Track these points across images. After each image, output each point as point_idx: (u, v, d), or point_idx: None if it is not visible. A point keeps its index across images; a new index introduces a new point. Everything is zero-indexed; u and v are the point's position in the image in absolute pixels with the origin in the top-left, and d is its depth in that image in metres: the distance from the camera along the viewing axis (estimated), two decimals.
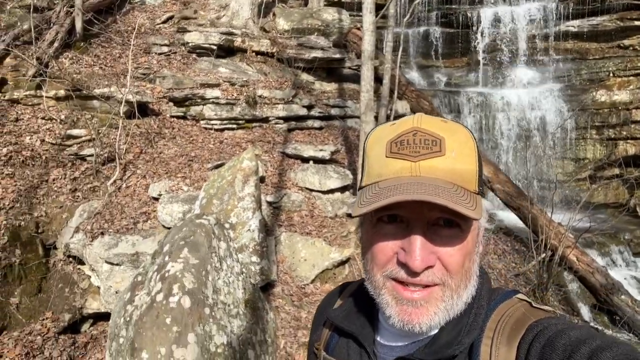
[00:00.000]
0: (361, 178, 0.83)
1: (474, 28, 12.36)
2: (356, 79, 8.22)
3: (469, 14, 12.49)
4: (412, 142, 0.75)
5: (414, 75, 12.81)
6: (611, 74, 10.97)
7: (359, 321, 0.90)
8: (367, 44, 5.54)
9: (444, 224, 0.75)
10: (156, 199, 5.50)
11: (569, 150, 10.53)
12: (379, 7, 9.71)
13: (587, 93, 10.59)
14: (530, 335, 0.73)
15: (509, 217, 8.59)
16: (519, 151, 10.36)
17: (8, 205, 5.19)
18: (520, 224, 7.97)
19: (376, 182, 0.77)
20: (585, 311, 6.80)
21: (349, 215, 5.93)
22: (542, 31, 11.94)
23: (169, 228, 4.90)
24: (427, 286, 0.75)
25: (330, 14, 9.80)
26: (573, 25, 11.65)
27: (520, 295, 0.84)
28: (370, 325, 0.89)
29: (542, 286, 6.35)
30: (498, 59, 12.19)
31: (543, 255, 6.50)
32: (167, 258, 3.44)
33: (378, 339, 0.87)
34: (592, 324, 6.51)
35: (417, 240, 0.73)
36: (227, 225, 4.27)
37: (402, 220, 0.75)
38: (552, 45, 11.83)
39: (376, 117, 8.65)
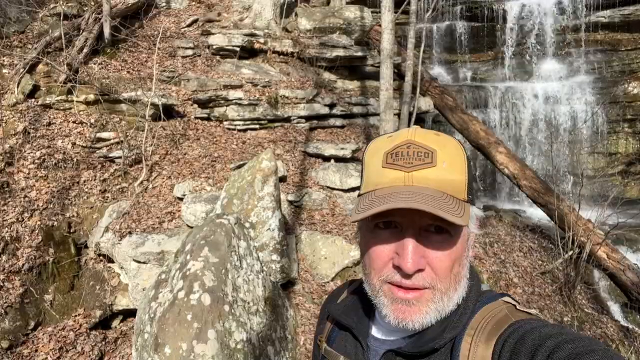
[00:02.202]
0: (360, 186, 0.90)
1: (500, 21, 12.14)
2: (379, 76, 8.22)
3: (494, 7, 12.28)
4: (406, 154, 0.81)
5: (438, 70, 12.68)
6: None
7: (356, 316, 0.97)
8: (386, 42, 5.53)
9: (434, 230, 0.81)
10: (181, 199, 5.66)
11: (600, 145, 10.23)
12: (400, 3, 9.66)
13: (619, 85, 10.25)
14: (506, 333, 0.78)
15: (536, 214, 8.44)
16: (547, 146, 10.14)
17: (42, 206, 5.43)
18: (547, 221, 7.83)
19: (373, 190, 0.83)
20: (615, 310, 6.63)
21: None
22: (571, 22, 11.63)
23: (192, 227, 5.03)
24: (417, 289, 0.81)
25: (352, 12, 9.80)
26: (604, 15, 11.30)
27: (506, 299, 0.89)
28: (367, 320, 0.96)
29: (569, 284, 6.22)
30: (525, 52, 11.95)
31: (570, 252, 6.36)
32: (188, 257, 3.55)
33: (373, 333, 0.94)
34: (622, 322, 6.34)
35: (410, 244, 0.79)
36: (247, 225, 4.37)
37: (397, 226, 0.82)
38: (582, 37, 11.50)
39: (398, 115, 8.63)
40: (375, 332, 0.94)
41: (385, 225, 0.82)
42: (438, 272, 0.80)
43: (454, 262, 0.82)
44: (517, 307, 0.85)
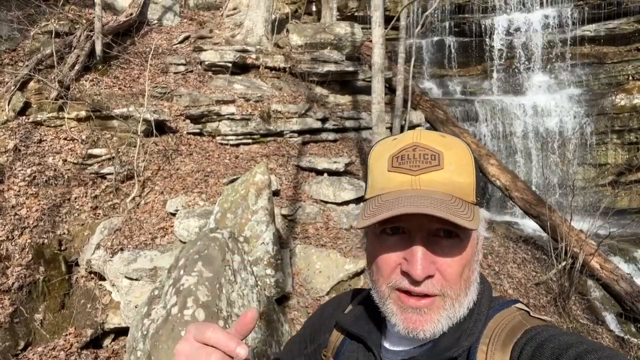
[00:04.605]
0: (365, 191, 0.87)
1: (488, 36, 12.34)
2: (370, 90, 8.29)
3: (482, 23, 12.49)
4: (412, 156, 0.79)
5: (429, 84, 12.83)
6: (630, 78, 10.79)
7: (368, 326, 0.94)
8: (377, 57, 5.59)
9: (443, 234, 0.78)
10: (173, 215, 5.62)
11: (590, 156, 10.35)
12: (390, 19, 9.81)
13: (606, 97, 10.42)
14: (523, 339, 0.75)
15: (529, 225, 8.48)
16: (538, 158, 10.24)
17: (32, 224, 5.36)
18: (540, 231, 7.86)
19: (379, 194, 0.80)
20: (610, 320, 6.63)
21: (350, 228, 5.95)
22: (557, 37, 11.85)
23: (185, 242, 4.99)
24: (427, 295, 0.78)
25: (342, 28, 9.92)
26: (589, 29, 11.53)
27: (519, 305, 0.87)
28: (378, 331, 0.92)
29: (563, 295, 6.22)
30: (514, 66, 12.14)
31: (564, 263, 6.38)
32: (181, 272, 3.51)
33: (385, 344, 0.90)
34: (617, 333, 6.34)
35: (419, 251, 0.76)
36: (241, 239, 4.34)
37: (405, 232, 0.79)
38: (569, 51, 11.72)
39: (390, 128, 8.69)
40: (386, 344, 0.90)
41: (393, 231, 0.79)
42: (448, 278, 0.78)
43: (464, 267, 0.79)
44: (531, 314, 0.83)
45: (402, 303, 0.79)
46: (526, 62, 11.99)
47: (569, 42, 11.71)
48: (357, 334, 0.93)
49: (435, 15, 12.98)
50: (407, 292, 0.78)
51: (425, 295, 0.78)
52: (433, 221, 0.75)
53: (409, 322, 0.78)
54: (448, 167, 0.78)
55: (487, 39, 12.35)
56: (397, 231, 0.79)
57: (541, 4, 12.48)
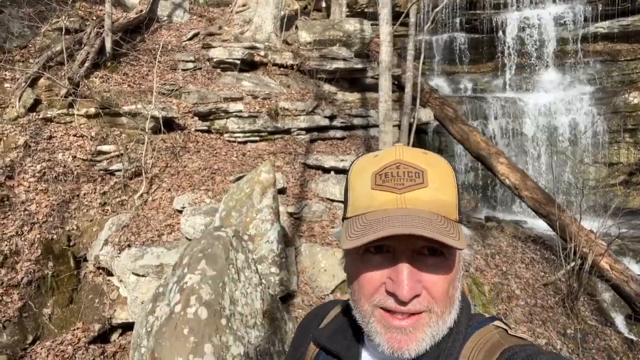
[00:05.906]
0: (345, 209, 0.85)
1: (500, 33, 12.21)
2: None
3: (493, 19, 12.35)
4: (396, 174, 0.78)
5: (439, 82, 12.73)
6: None
7: (345, 342, 0.92)
8: (385, 55, 5.56)
9: (428, 252, 0.77)
10: (180, 212, 5.65)
11: (601, 155, 10.21)
12: (401, 15, 9.74)
13: (619, 95, 10.26)
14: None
15: (538, 225, 8.40)
16: (548, 156, 10.12)
17: (42, 219, 5.43)
18: (549, 231, 7.78)
19: (363, 213, 0.79)
20: (619, 321, 6.55)
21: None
22: (570, 33, 11.68)
23: (191, 240, 5.02)
24: (413, 314, 0.77)
25: (352, 25, 9.87)
26: (602, 26, 11.35)
27: (497, 323, 0.86)
28: (357, 346, 0.90)
29: (572, 296, 6.16)
30: (525, 63, 11.99)
31: (573, 263, 6.31)
32: (185, 270, 3.53)
33: None
34: (626, 334, 6.26)
35: (405, 270, 0.75)
36: (245, 237, 4.35)
37: (389, 250, 0.78)
38: (581, 48, 11.55)
39: (399, 126, 8.65)
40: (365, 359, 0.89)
41: (377, 249, 0.78)
42: (434, 295, 0.77)
43: (449, 285, 0.79)
44: (509, 332, 0.82)
45: (386, 322, 0.78)
46: (538, 59, 11.84)
47: (581, 39, 11.54)
48: (334, 351, 0.92)
49: (446, 11, 12.86)
50: (391, 311, 0.77)
51: (411, 314, 0.77)
52: (419, 239, 0.75)
53: (394, 342, 0.77)
54: (432, 184, 0.77)
55: (498, 36, 12.22)
56: (381, 250, 0.78)
57: (554, 1, 12.31)
